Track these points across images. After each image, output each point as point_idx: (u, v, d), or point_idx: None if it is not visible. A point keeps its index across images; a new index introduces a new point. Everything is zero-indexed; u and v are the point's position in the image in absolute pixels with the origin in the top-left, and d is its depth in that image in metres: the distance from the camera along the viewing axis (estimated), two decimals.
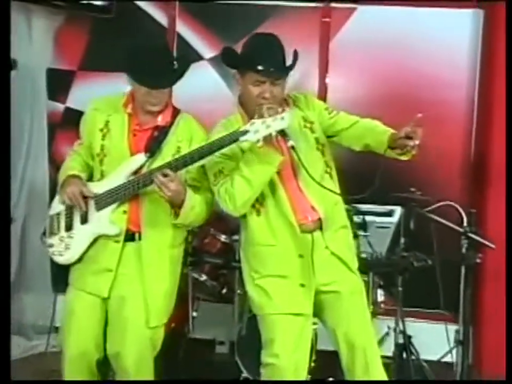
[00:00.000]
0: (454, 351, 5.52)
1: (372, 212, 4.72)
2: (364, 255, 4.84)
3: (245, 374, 5.09)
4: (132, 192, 3.75)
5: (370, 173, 4.75)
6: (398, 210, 4.84)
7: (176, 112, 3.95)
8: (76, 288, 3.92)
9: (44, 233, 4.00)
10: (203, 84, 6.90)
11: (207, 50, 7.07)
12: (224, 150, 3.66)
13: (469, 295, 5.44)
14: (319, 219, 3.83)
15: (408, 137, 3.61)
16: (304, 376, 3.86)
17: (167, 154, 3.80)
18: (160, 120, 3.89)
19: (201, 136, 3.90)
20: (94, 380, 3.96)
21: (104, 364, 3.99)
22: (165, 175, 3.59)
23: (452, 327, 5.57)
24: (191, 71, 7.10)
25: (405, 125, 3.71)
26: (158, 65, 3.80)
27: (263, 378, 3.88)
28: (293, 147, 3.60)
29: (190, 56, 6.41)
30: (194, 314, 5.68)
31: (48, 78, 6.80)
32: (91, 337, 3.89)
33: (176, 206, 3.72)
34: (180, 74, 3.90)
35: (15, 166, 6.04)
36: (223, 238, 5.62)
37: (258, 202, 3.76)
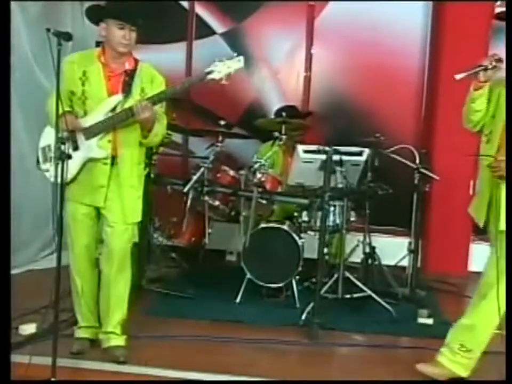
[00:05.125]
0: (406, 258, 5.58)
1: (347, 152, 4.71)
2: (340, 185, 4.84)
3: (248, 276, 5.12)
4: (115, 123, 3.79)
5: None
6: (366, 151, 4.83)
7: (136, 61, 3.95)
8: (75, 202, 3.91)
9: (38, 162, 3.97)
10: (215, 54, 6.81)
11: (219, 27, 7.02)
12: None
13: (419, 215, 5.49)
14: None
15: None
16: None
17: (135, 94, 3.82)
18: (127, 66, 3.88)
19: (159, 79, 3.93)
20: (95, 276, 4.03)
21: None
22: (145, 105, 3.65)
23: (406, 240, 5.61)
24: (206, 43, 7.14)
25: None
26: (129, 12, 3.83)
27: None
28: None
29: None
30: (210, 231, 5.67)
31: None
32: (90, 236, 3.94)
33: (146, 130, 3.78)
34: (139, 23, 3.85)
35: None
36: (231, 173, 5.61)
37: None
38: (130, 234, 3.99)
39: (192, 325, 4.55)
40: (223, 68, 3.68)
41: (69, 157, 3.52)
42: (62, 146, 3.46)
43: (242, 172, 5.54)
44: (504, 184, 3.56)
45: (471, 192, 6.48)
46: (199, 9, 7.02)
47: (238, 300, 5.08)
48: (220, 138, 5.73)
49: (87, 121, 3.82)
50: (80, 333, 4.04)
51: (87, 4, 6.46)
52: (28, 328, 4.15)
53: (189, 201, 5.55)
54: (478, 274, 6.42)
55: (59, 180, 3.47)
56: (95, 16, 3.95)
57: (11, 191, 5.30)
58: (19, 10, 5.55)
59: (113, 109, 3.81)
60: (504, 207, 3.58)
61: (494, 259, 3.64)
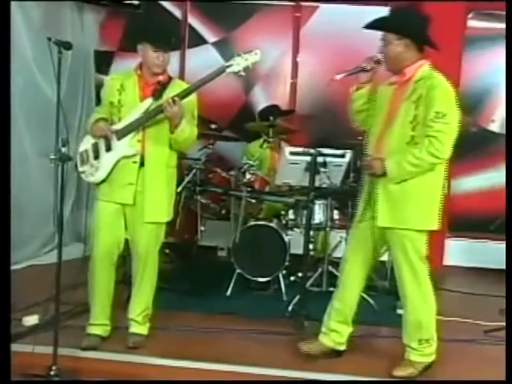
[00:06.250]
0: (386, 253, 5.56)
1: (330, 154, 4.70)
2: (324, 185, 4.85)
3: (238, 270, 5.14)
4: (144, 122, 3.81)
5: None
6: (349, 153, 4.83)
7: (170, 77, 3.99)
8: (103, 200, 3.90)
9: (76, 166, 3.98)
10: (207, 62, 6.88)
11: (211, 36, 7.05)
12: None
13: None
14: None
15: None
16: None
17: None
18: (161, 78, 3.92)
19: None
20: (113, 275, 4.00)
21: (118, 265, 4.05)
22: (173, 100, 3.67)
23: None
24: (198, 52, 7.17)
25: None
26: (164, 38, 3.87)
27: None
28: None
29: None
30: (202, 228, 5.70)
31: (95, 57, 6.79)
32: (114, 238, 3.90)
33: (175, 124, 3.76)
34: (174, 46, 4.01)
35: (72, 120, 6.06)
36: (222, 173, 5.64)
37: None
38: (154, 234, 3.95)
39: (184, 317, 4.56)
40: (241, 60, 3.71)
41: (70, 158, 3.52)
42: (63, 148, 3.46)
43: (232, 173, 5.56)
44: (382, 182, 3.59)
45: (445, 192, 6.55)
46: (192, 20, 7.05)
47: (228, 293, 5.09)
48: (211, 140, 5.75)
49: (121, 125, 3.86)
50: (91, 329, 4.01)
51: (86, 14, 6.53)
52: (31, 320, 4.16)
53: (182, 201, 5.55)
54: (453, 268, 6.57)
55: (59, 180, 3.47)
56: (133, 39, 4.01)
57: (14, 190, 5.33)
58: (22, 20, 5.56)
59: (144, 112, 3.84)
60: (381, 204, 3.61)
61: (351, 249, 3.85)
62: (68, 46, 3.53)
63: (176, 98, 3.69)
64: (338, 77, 3.70)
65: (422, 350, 3.73)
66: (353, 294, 3.89)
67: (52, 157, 3.49)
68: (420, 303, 3.70)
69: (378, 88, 3.81)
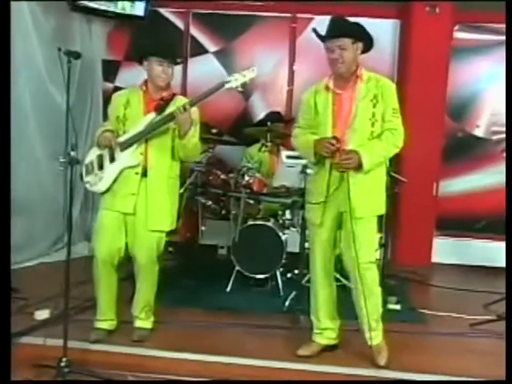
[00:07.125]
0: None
1: None
2: None
3: (237, 268, 5.15)
4: (146, 134, 3.82)
5: None
6: None
7: (173, 94, 4.01)
8: (106, 209, 3.91)
9: (81, 177, 3.99)
10: (208, 70, 6.89)
11: (211, 46, 7.04)
12: None
13: (390, 214, 5.49)
14: None
15: None
16: None
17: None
18: (165, 94, 3.94)
19: (192, 108, 3.92)
20: (115, 276, 3.98)
21: (121, 264, 4.02)
22: (184, 108, 3.70)
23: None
24: (199, 60, 7.17)
25: None
26: (168, 50, 3.93)
27: None
28: None
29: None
30: (203, 228, 5.69)
31: (103, 66, 6.80)
32: (115, 243, 3.89)
33: (184, 131, 3.75)
34: (177, 59, 4.06)
35: (81, 126, 6.08)
36: (222, 176, 5.64)
37: None
38: (155, 242, 3.94)
39: (186, 312, 4.57)
40: (239, 76, 3.78)
41: (78, 162, 3.54)
42: (72, 152, 3.48)
43: (231, 175, 5.56)
44: (352, 174, 3.58)
45: (434, 193, 6.58)
46: (194, 30, 7.05)
47: (228, 289, 5.10)
48: (212, 144, 5.76)
49: (124, 137, 3.87)
50: (98, 324, 4.02)
51: (94, 25, 6.55)
52: (42, 314, 4.17)
53: (184, 201, 5.56)
54: (440, 265, 6.59)
55: (68, 182, 3.49)
56: (139, 53, 3.99)
57: (26, 191, 5.37)
58: (33, 30, 5.58)
59: (147, 125, 3.85)
60: (356, 195, 3.59)
61: (317, 247, 3.79)
62: (76, 55, 3.55)
63: (187, 106, 3.71)
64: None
65: (378, 329, 3.78)
66: (331, 289, 3.91)
67: (62, 160, 3.51)
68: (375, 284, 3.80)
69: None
